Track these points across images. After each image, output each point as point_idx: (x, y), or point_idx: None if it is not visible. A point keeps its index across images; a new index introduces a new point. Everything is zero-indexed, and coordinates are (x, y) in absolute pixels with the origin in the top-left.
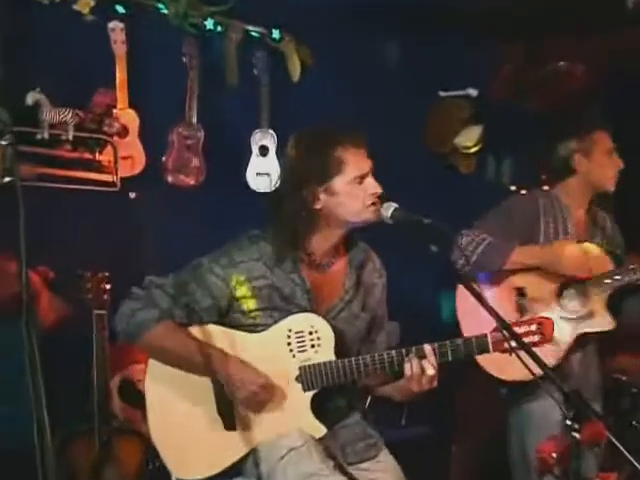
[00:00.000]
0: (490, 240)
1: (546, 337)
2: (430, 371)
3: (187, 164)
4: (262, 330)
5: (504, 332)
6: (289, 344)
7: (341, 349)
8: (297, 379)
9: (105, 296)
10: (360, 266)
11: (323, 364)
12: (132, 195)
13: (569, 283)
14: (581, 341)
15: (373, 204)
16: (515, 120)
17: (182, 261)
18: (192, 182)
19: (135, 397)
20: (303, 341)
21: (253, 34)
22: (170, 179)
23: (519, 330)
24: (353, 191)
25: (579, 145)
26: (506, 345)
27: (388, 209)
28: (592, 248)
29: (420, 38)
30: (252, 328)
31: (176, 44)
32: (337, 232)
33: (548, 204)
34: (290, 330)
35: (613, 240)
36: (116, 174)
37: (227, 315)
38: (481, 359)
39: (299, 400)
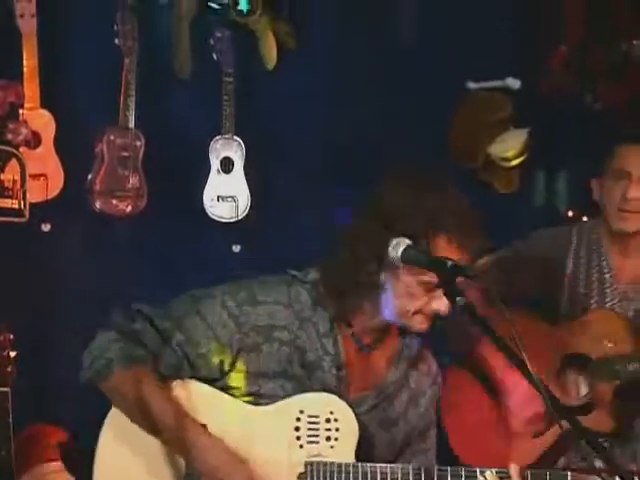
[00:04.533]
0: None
1: None
2: None
3: (122, 184)
4: (266, 402)
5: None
6: (297, 429)
7: (366, 455)
8: (300, 478)
9: (8, 367)
10: (411, 364)
11: (338, 465)
12: (46, 227)
13: (574, 357)
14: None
15: (418, 314)
16: (573, 121)
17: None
18: (129, 209)
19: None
20: (317, 429)
21: (212, 5)
22: (99, 205)
23: None
24: (414, 291)
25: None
26: None
27: (398, 247)
28: (608, 322)
29: (441, 10)
30: (253, 398)
31: (107, 20)
32: (383, 320)
33: (583, 243)
34: (302, 412)
35: None
36: (24, 199)
37: (227, 373)
38: None
39: None
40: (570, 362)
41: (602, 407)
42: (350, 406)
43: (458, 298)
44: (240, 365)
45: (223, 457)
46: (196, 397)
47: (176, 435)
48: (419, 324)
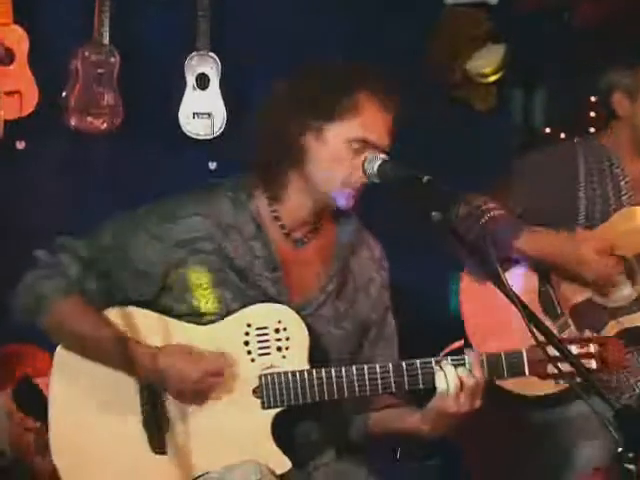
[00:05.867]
0: (496, 213)
1: (609, 366)
2: (471, 381)
3: (97, 101)
4: (210, 320)
5: (549, 352)
6: (247, 343)
7: (320, 358)
8: (255, 392)
9: None
10: (350, 249)
11: (292, 374)
12: (20, 145)
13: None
14: (627, 339)
15: (352, 189)
16: (551, 38)
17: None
18: (104, 126)
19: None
20: (267, 341)
21: None
22: (74, 122)
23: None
24: (341, 154)
25: (620, 79)
26: (550, 369)
27: (373, 162)
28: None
29: None
30: (195, 317)
31: None
32: (312, 196)
33: (590, 156)
34: (250, 325)
35: None
36: None
37: (160, 295)
38: None
39: (256, 420)
40: None
41: None
42: (297, 312)
43: (434, 213)
44: (171, 283)
45: (171, 356)
46: (140, 323)
47: (120, 355)
48: (347, 199)
